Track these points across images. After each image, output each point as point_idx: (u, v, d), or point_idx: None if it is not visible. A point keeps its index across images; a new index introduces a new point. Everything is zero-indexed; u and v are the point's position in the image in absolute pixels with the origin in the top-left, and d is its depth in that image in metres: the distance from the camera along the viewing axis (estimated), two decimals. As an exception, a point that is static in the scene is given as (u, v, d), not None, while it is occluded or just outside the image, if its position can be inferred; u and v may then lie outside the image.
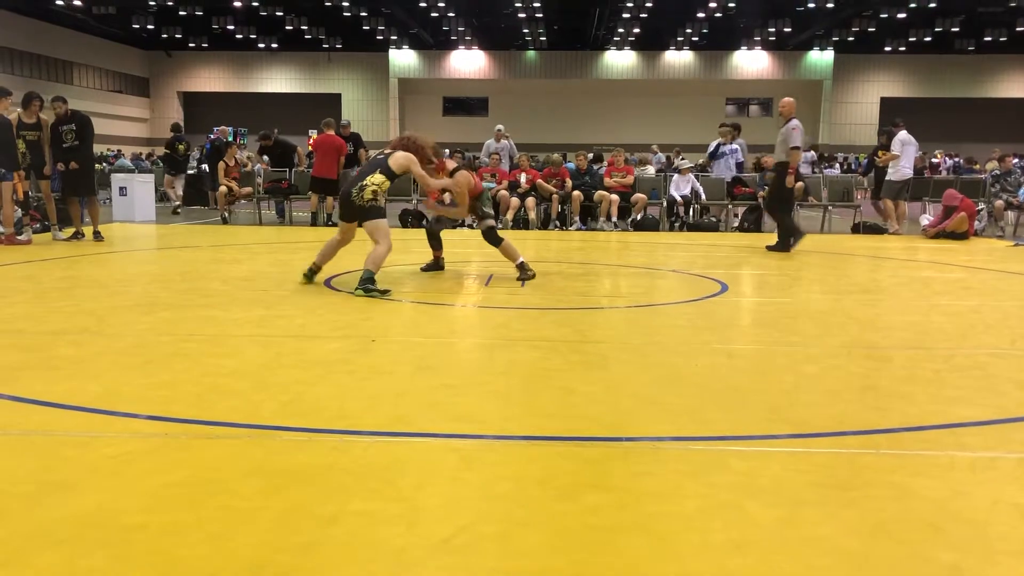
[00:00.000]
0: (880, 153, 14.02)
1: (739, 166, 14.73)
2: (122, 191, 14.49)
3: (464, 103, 46.23)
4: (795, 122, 10.18)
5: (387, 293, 6.49)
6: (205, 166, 17.50)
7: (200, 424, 3.32)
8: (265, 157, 16.46)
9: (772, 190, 10.96)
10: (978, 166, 21.66)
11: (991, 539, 2.37)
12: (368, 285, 6.43)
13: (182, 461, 2.90)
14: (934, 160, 27.79)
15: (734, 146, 14.87)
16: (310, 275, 7.11)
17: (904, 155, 13.12)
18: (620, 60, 44.28)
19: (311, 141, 13.72)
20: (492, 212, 7.83)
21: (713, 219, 14.31)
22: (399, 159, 6.90)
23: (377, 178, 6.77)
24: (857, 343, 5.02)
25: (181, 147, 17.03)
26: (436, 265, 8.16)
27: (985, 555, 2.27)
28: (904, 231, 13.40)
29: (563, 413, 3.54)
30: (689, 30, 39.62)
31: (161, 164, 18.40)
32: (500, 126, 15.71)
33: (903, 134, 13.21)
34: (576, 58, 44.48)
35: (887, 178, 13.27)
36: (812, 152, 20.22)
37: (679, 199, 13.92)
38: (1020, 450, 3.15)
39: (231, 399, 3.66)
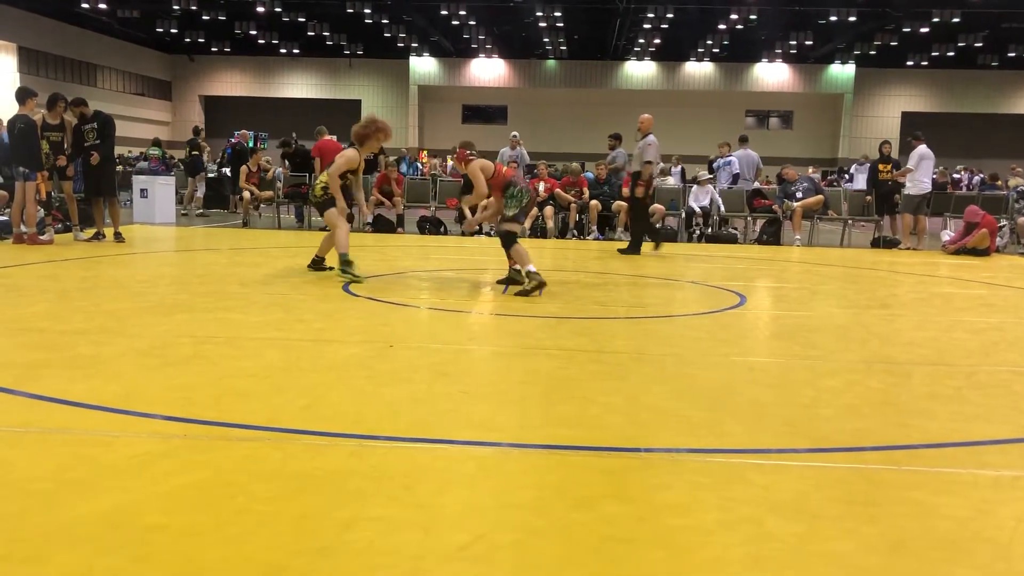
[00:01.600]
0: (881, 167, 13.93)
1: (736, 177, 14.80)
2: (143, 193, 14.61)
3: (483, 111, 46.31)
4: (651, 138, 10.85)
5: (359, 279, 7.34)
6: (226, 170, 17.65)
7: (219, 426, 3.33)
8: (286, 162, 16.59)
9: (629, 198, 11.67)
10: (1000, 183, 21.47)
11: (1014, 559, 2.35)
12: (344, 267, 7.49)
13: (201, 463, 2.91)
14: (955, 176, 27.59)
15: (729, 158, 15.09)
16: (314, 266, 8.12)
17: (921, 169, 13.04)
18: (640, 71, 44.25)
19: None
20: (513, 215, 7.15)
21: (732, 231, 14.26)
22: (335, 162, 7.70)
23: (323, 177, 7.82)
24: (877, 358, 4.98)
25: (198, 148, 17.27)
26: (509, 279, 7.32)
27: (1008, 575, 2.25)
28: (925, 246, 13.31)
29: (581, 423, 3.53)
30: (710, 42, 39.54)
31: (182, 167, 18.58)
32: (515, 133, 15.72)
33: (922, 148, 13.11)
34: (596, 68, 44.49)
35: (906, 192, 13.15)
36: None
37: (698, 210, 13.89)
38: (1043, 470, 3.11)
39: (250, 402, 3.67)
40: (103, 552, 2.22)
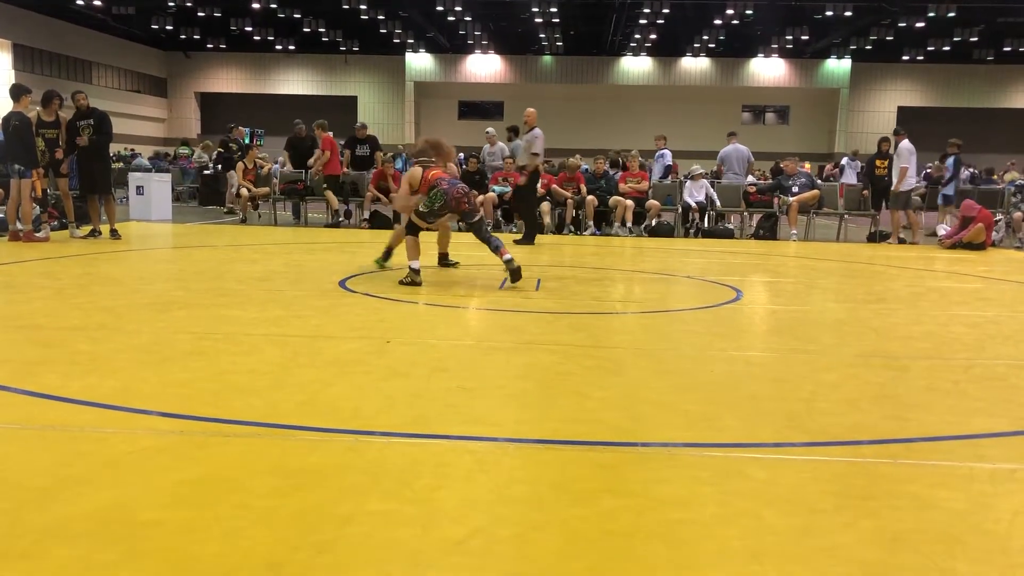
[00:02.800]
0: (878, 163, 13.92)
1: (667, 169, 15.23)
2: (139, 190, 14.58)
3: (480, 107, 46.26)
4: (538, 131, 11.12)
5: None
6: (221, 167, 17.60)
7: (217, 422, 3.32)
8: (283, 153, 16.55)
9: (519, 190, 11.97)
10: (996, 176, 21.50)
11: (1011, 552, 2.35)
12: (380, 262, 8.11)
13: (199, 459, 2.91)
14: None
15: (663, 151, 15.64)
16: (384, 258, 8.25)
17: (908, 164, 13.05)
18: (636, 66, 44.23)
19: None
20: (424, 212, 7.33)
21: (728, 226, 14.26)
22: None
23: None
24: (874, 352, 4.99)
25: (233, 144, 17.17)
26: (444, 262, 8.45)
27: (1005, 568, 2.25)
28: (920, 241, 13.32)
29: (578, 417, 3.53)
30: (706, 37, 39.52)
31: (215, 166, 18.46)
32: (489, 129, 15.65)
33: (907, 143, 13.09)
34: (592, 63, 44.45)
35: (894, 189, 13.10)
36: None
37: (694, 205, 13.89)
38: (1040, 462, 3.11)
39: (248, 398, 3.66)
40: (100, 548, 2.22)
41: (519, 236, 11.62)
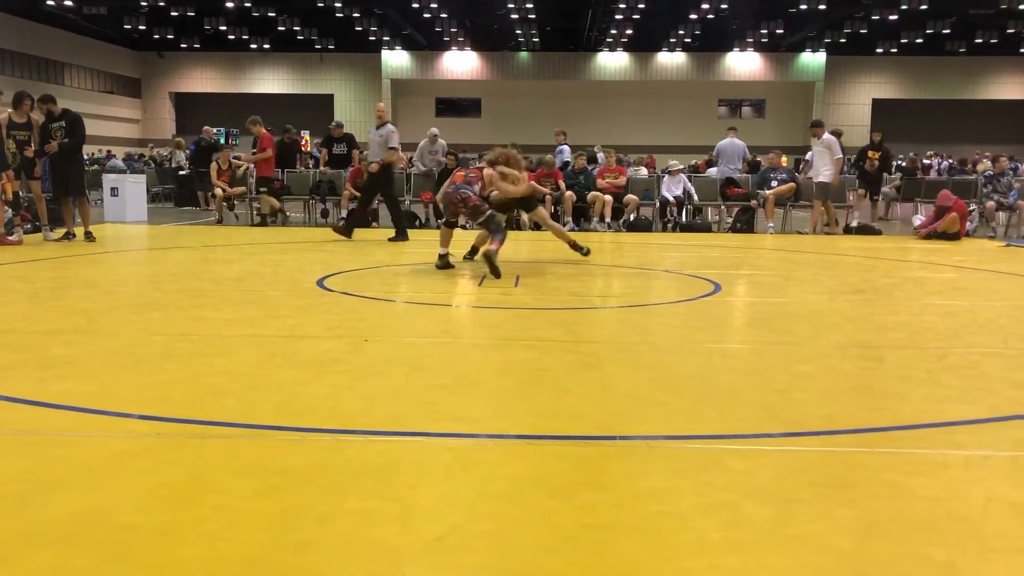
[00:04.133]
0: (870, 154, 14.04)
1: (565, 164, 15.37)
2: (113, 192, 14.44)
3: (457, 104, 46.19)
4: (391, 127, 11.46)
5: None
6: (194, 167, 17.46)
7: (194, 424, 3.31)
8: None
9: (381, 186, 11.86)
10: (970, 167, 21.73)
11: (985, 537, 2.38)
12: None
13: (176, 461, 2.89)
14: (926, 161, 27.88)
15: (563, 146, 15.80)
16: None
17: (827, 158, 13.23)
18: (613, 61, 44.30)
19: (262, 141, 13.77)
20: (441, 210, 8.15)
21: (708, 220, 14.33)
22: None
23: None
24: (851, 343, 5.03)
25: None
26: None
27: (979, 553, 2.28)
28: (837, 232, 13.38)
29: (557, 412, 3.54)
30: (682, 31, 39.63)
31: (152, 165, 18.31)
32: (435, 129, 15.52)
33: (831, 136, 13.20)
34: (569, 59, 44.48)
35: (818, 180, 13.19)
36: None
37: (671, 200, 13.94)
38: (1013, 448, 3.16)
39: (225, 399, 3.64)
40: (76, 553, 2.20)
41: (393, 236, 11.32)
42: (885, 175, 16.18)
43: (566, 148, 15.99)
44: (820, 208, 13.29)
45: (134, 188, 14.72)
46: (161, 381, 3.91)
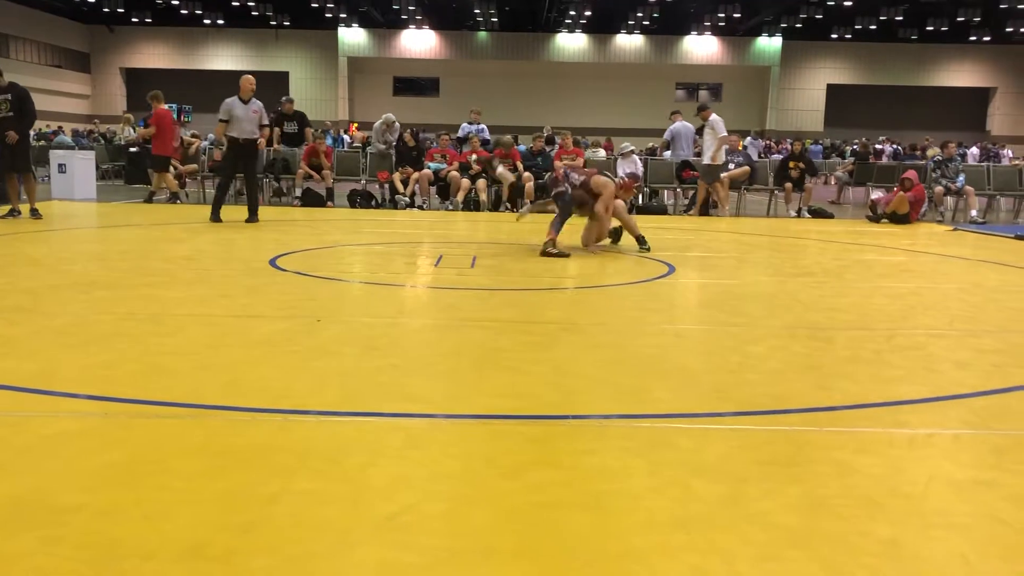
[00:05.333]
0: (791, 164, 14.16)
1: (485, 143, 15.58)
2: (61, 168, 14.10)
3: (415, 83, 45.83)
4: (257, 103, 10.82)
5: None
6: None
7: (140, 404, 3.24)
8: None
9: (249, 164, 11.48)
10: (919, 152, 22.12)
11: (927, 513, 2.43)
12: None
13: (121, 441, 2.83)
14: (878, 146, 28.33)
15: (480, 126, 15.90)
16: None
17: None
18: (572, 43, 44.25)
19: (152, 118, 13.46)
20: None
21: (664, 203, 14.40)
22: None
23: None
24: (801, 324, 5.09)
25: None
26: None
27: (921, 529, 2.32)
28: (725, 214, 13.53)
29: (511, 392, 3.53)
30: (640, 14, 39.71)
31: (103, 142, 17.86)
32: (390, 115, 15.33)
33: (717, 116, 13.33)
34: (528, 40, 44.34)
35: (707, 163, 13.33)
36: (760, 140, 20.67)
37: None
38: (956, 427, 3.22)
39: (172, 379, 3.58)
40: (15, 534, 2.15)
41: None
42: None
43: (484, 128, 16.05)
44: (707, 188, 13.41)
45: (83, 164, 14.38)
46: (107, 360, 3.83)
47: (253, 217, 10.61)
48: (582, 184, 8.18)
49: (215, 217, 10.42)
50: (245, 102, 10.53)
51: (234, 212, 10.83)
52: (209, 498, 2.39)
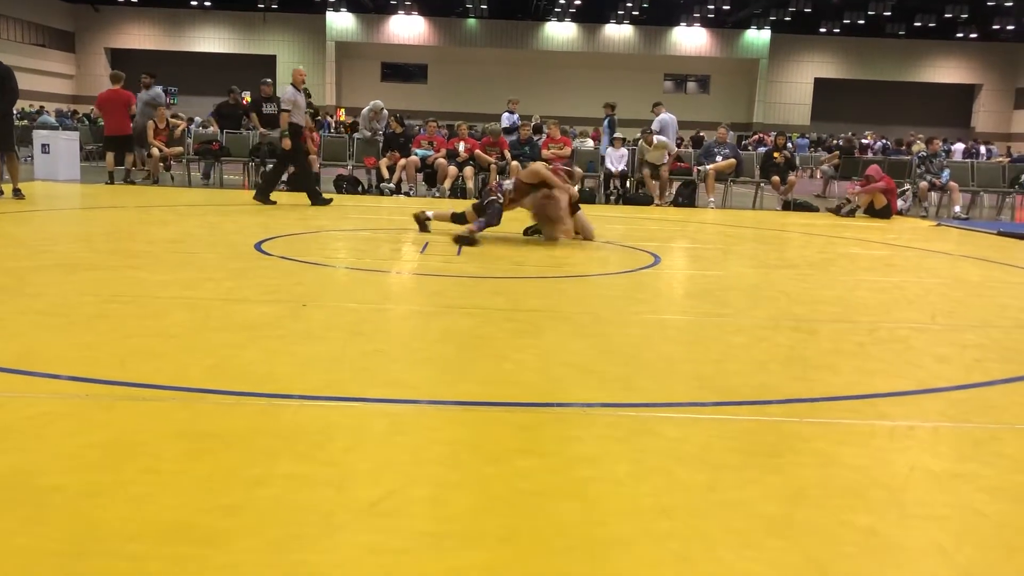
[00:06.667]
0: (776, 155, 14.32)
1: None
2: (44, 149, 13.97)
3: (403, 69, 45.63)
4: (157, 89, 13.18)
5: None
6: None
7: (124, 386, 3.23)
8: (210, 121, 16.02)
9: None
10: (905, 147, 22.22)
11: (906, 504, 2.45)
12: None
13: (104, 423, 2.82)
14: (864, 141, 28.43)
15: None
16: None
17: (669, 135, 13.92)
18: (561, 32, 44.16)
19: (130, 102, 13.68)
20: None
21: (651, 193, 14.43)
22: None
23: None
24: (785, 316, 5.12)
25: None
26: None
27: (900, 519, 2.35)
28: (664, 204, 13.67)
29: (496, 379, 3.54)
30: (630, 4, 39.65)
31: (87, 123, 17.70)
32: (379, 101, 15.26)
33: (669, 114, 13.69)
34: (517, 28, 44.21)
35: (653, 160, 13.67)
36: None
37: (615, 172, 14.00)
38: (936, 419, 3.26)
39: (156, 361, 3.57)
40: (-3, 514, 2.14)
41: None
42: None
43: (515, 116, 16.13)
44: (652, 183, 13.71)
45: (67, 145, 14.26)
46: (91, 342, 3.81)
47: (321, 199, 11.10)
48: (515, 186, 8.08)
49: (265, 198, 10.82)
50: (299, 92, 11.05)
51: (217, 195, 10.77)
52: (193, 481, 2.39)
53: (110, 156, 13.51)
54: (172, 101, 24.34)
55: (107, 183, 13.22)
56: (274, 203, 10.81)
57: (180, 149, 14.28)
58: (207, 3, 42.08)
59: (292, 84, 11.09)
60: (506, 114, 16.13)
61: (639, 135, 15.31)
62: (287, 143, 11.00)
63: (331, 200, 11.32)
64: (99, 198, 11.11)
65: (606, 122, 15.20)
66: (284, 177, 13.64)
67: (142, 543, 2.03)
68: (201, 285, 5.28)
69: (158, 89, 13.91)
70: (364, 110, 15.01)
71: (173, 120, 14.67)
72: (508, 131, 15.59)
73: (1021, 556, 2.16)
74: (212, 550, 2.02)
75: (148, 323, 4.23)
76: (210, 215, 9.43)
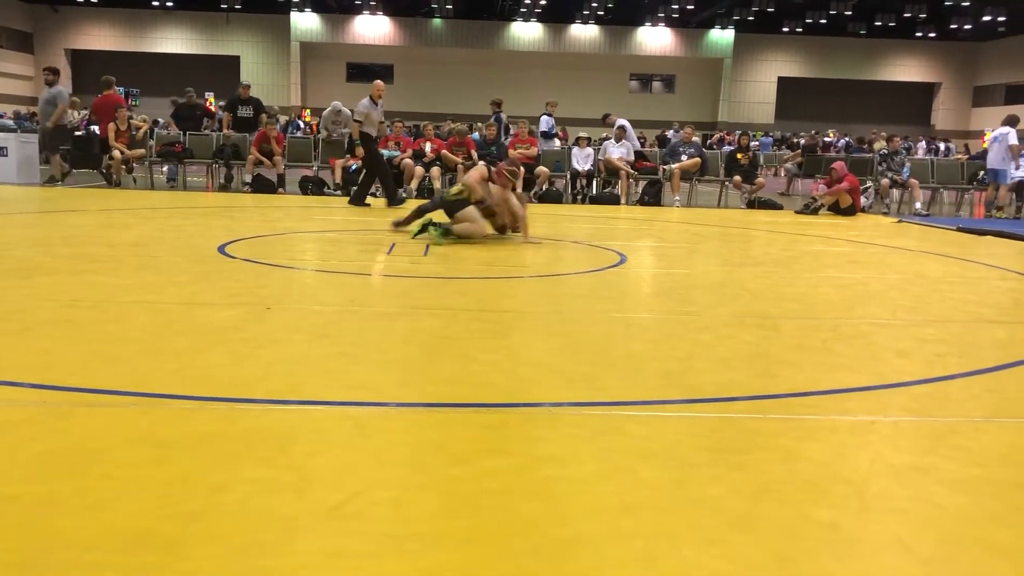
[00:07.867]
0: (739, 156, 14.48)
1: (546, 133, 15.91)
2: (2, 151, 13.73)
3: (369, 69, 45.24)
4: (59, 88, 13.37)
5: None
6: (96, 128, 16.72)
7: (82, 392, 3.18)
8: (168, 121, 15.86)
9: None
10: (866, 145, 22.51)
11: (867, 498, 2.48)
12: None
13: (62, 430, 2.77)
14: (827, 139, 28.76)
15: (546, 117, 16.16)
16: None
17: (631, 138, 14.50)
18: (527, 32, 44.14)
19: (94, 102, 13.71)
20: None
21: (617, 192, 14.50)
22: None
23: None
24: (749, 313, 5.16)
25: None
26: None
27: (861, 513, 2.37)
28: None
29: (462, 380, 3.53)
30: (595, 3, 39.74)
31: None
32: (337, 102, 15.16)
33: (623, 120, 14.34)
34: (483, 28, 44.12)
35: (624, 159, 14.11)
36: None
37: (582, 171, 14.04)
38: (897, 414, 3.30)
39: (116, 366, 3.51)
40: (-50, 525, 2.09)
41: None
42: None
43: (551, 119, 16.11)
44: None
45: (25, 147, 14.04)
46: (48, 348, 3.75)
47: (397, 199, 11.69)
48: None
49: (360, 202, 11.58)
50: (376, 105, 11.63)
51: (181, 197, 10.65)
52: (153, 487, 2.35)
53: (55, 160, 13.46)
54: (134, 103, 24.00)
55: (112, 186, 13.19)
56: (368, 205, 11.59)
57: (143, 152, 14.10)
58: (169, 3, 41.53)
59: (370, 96, 11.64)
60: (544, 117, 16.00)
61: (604, 135, 15.45)
62: (360, 151, 11.74)
63: (405, 199, 11.96)
64: (59, 202, 10.94)
65: (493, 118, 15.07)
66: (247, 179, 13.54)
67: (101, 552, 2.00)
68: (163, 289, 5.21)
69: (60, 88, 13.86)
70: (325, 111, 14.92)
71: (134, 122, 14.47)
72: (547, 135, 15.60)
73: (980, 548, 2.19)
74: (173, 557, 1.99)
75: (108, 328, 4.17)
76: (173, 218, 9.32)
